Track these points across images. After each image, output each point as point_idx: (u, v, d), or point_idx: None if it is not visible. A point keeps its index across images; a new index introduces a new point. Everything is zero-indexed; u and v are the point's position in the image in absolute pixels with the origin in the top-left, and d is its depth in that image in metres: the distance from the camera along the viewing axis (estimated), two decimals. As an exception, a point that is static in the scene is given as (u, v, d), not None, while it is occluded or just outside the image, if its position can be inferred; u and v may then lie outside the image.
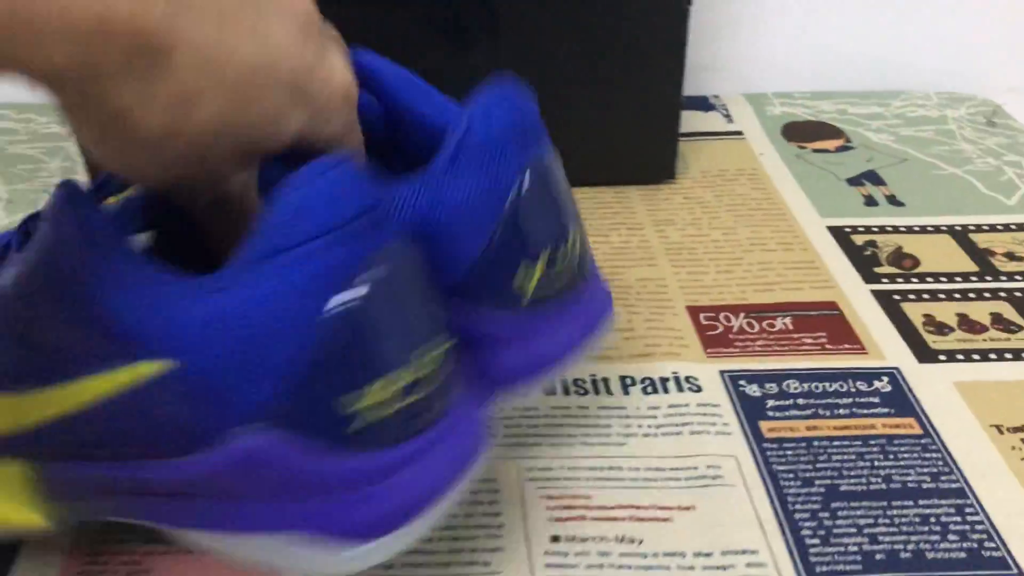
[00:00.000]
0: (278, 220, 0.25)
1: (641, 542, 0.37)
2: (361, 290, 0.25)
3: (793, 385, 0.44)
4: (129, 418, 0.26)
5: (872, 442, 0.41)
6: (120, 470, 0.28)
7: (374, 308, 0.26)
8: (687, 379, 0.44)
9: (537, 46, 0.55)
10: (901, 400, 0.43)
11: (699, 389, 0.44)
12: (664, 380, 0.44)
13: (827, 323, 0.48)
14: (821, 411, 0.43)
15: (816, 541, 0.37)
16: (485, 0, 0.53)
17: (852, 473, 0.40)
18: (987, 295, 0.50)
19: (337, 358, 0.25)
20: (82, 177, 0.61)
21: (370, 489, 0.27)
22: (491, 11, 0.53)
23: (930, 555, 0.36)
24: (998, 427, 0.42)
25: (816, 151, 0.63)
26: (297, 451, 0.26)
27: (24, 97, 0.69)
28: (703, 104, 0.69)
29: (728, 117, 0.67)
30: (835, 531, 0.37)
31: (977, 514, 0.38)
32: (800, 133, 0.66)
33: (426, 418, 0.27)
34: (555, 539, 0.37)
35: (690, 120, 0.66)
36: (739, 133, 0.66)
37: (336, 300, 0.25)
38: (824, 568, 0.36)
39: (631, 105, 0.57)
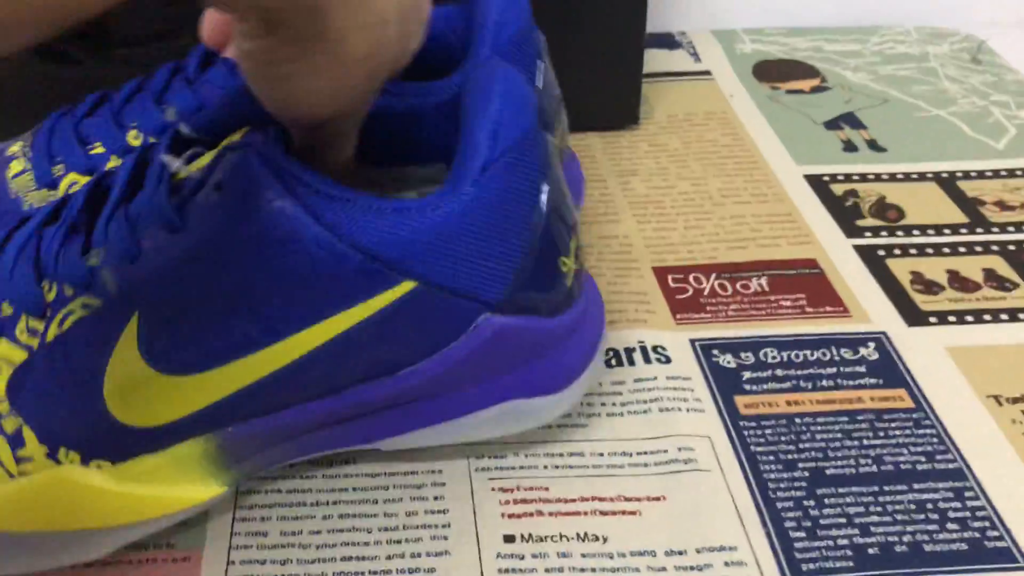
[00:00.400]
0: (479, 140, 0.29)
1: (606, 540, 0.33)
2: (550, 180, 0.31)
3: (771, 354, 0.40)
4: (376, 341, 0.30)
5: (860, 418, 0.37)
6: (329, 405, 0.31)
7: (557, 192, 0.31)
8: (655, 349, 0.40)
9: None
10: (890, 369, 0.39)
11: (668, 360, 0.39)
12: (629, 351, 0.40)
13: (806, 283, 0.44)
14: (802, 383, 0.39)
15: (801, 534, 0.33)
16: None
17: (839, 454, 0.36)
18: (979, 249, 0.46)
19: (548, 238, 0.31)
20: None
21: (573, 338, 0.33)
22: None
23: (928, 547, 0.32)
24: (996, 398, 0.38)
25: (790, 92, 0.59)
26: (535, 320, 0.31)
27: None
28: (668, 42, 0.63)
29: (695, 56, 0.62)
30: (822, 522, 0.33)
31: (978, 498, 0.34)
32: (772, 73, 0.61)
33: (581, 280, 0.34)
34: (509, 539, 0.33)
35: (654, 59, 0.61)
36: (707, 73, 0.60)
37: (543, 191, 0.30)
38: (811, 566, 0.32)
39: (590, 42, 0.51)
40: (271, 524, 0.33)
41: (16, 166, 0.37)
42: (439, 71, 0.38)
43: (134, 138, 0.35)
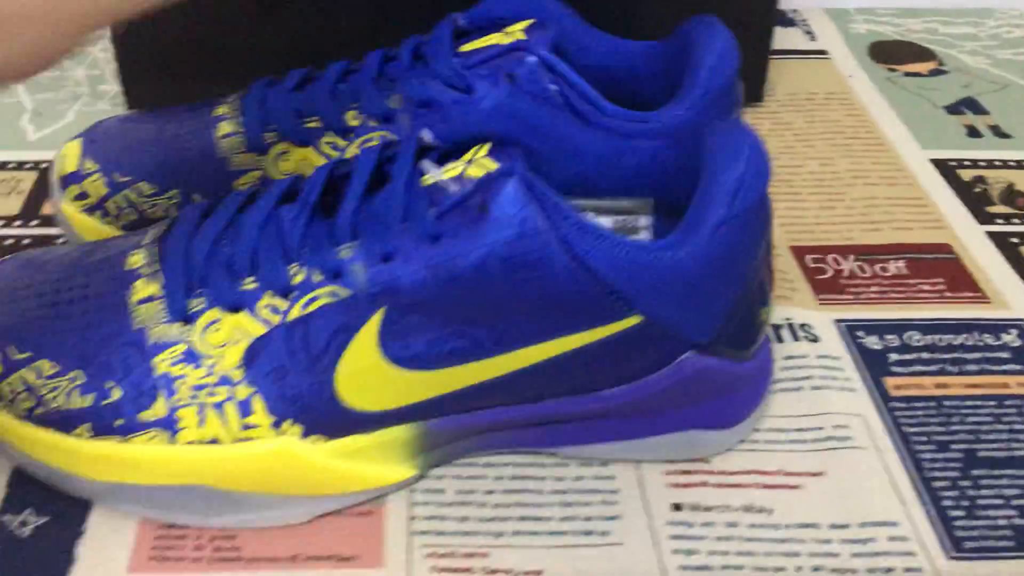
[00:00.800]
0: (720, 196, 0.30)
1: (771, 512, 0.34)
2: (766, 238, 0.33)
3: (915, 337, 0.41)
4: (589, 364, 0.32)
5: (1008, 403, 0.38)
6: (527, 411, 0.33)
7: (769, 248, 0.34)
8: (802, 327, 0.41)
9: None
10: (1033, 356, 0.40)
11: (816, 339, 0.40)
12: (777, 328, 0.41)
13: (944, 267, 0.44)
14: (949, 367, 0.39)
15: (960, 513, 0.34)
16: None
17: (990, 437, 0.36)
18: (1112, 239, 0.46)
19: (753, 291, 0.33)
20: (112, 86, 0.56)
21: (751, 383, 0.35)
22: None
23: (1087, 531, 0.33)
24: None
25: (908, 74, 0.59)
26: (726, 363, 0.33)
27: None
28: (783, 19, 0.63)
29: (810, 34, 0.62)
30: (979, 502, 0.34)
31: None
32: (888, 54, 0.61)
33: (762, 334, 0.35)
34: (676, 507, 0.34)
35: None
36: (824, 53, 0.61)
37: (758, 251, 0.32)
38: (973, 544, 0.33)
39: (721, 15, 0.52)
40: (446, 483, 0.35)
41: (225, 127, 0.38)
42: (638, 103, 0.39)
43: (353, 118, 0.37)
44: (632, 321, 0.31)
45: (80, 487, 0.32)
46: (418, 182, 0.31)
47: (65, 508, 0.33)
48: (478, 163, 0.31)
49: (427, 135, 0.32)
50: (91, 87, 0.56)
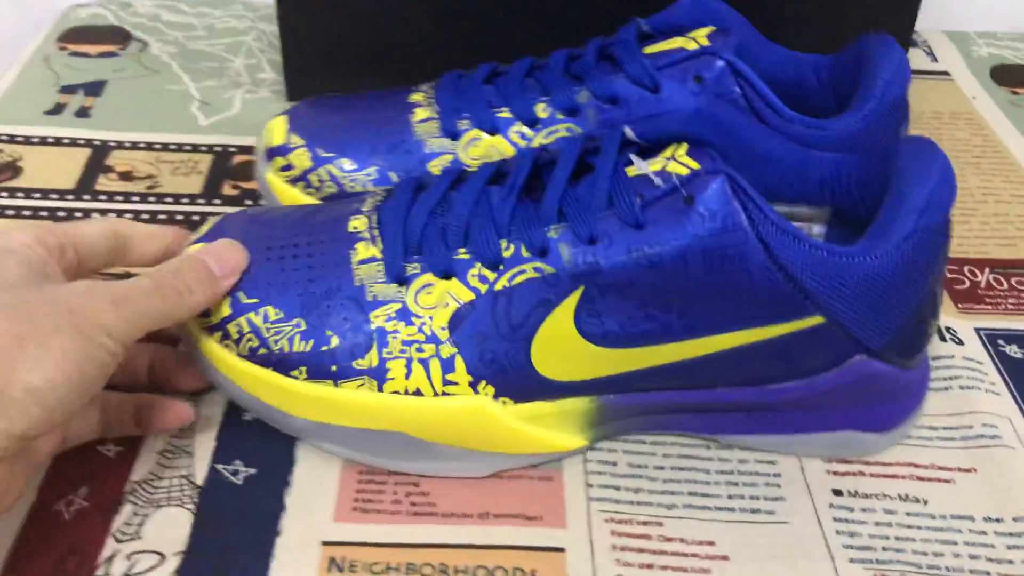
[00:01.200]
0: (910, 210, 0.32)
1: (926, 502, 0.36)
2: (943, 257, 0.35)
3: (1054, 348, 0.42)
4: (769, 357, 0.34)
5: None
6: (699, 396, 0.35)
7: (944, 266, 0.36)
8: (947, 329, 0.43)
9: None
10: None
11: (961, 342, 0.42)
12: (933, 334, 0.43)
13: (1079, 284, 0.46)
14: (1089, 378, 0.41)
15: (1109, 514, 0.36)
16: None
17: None
18: None
19: (929, 305, 0.35)
20: (269, 74, 0.59)
21: (911, 391, 0.37)
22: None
23: None
24: None
25: (1031, 98, 0.60)
26: (893, 369, 0.35)
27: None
28: (905, 40, 0.65)
29: (932, 56, 0.64)
30: None
31: None
32: (1011, 77, 0.62)
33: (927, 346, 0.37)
34: (837, 493, 0.36)
35: (893, 56, 0.63)
36: (946, 73, 0.62)
37: (937, 266, 0.34)
38: (1123, 544, 0.35)
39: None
40: (618, 456, 0.37)
41: (421, 113, 0.41)
42: (805, 114, 0.41)
43: (542, 110, 0.39)
44: (814, 321, 0.33)
45: (291, 424, 0.35)
46: (623, 173, 0.33)
47: (271, 460, 0.36)
48: (680, 159, 0.33)
49: (630, 131, 0.34)
50: (250, 76, 0.59)
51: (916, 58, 0.64)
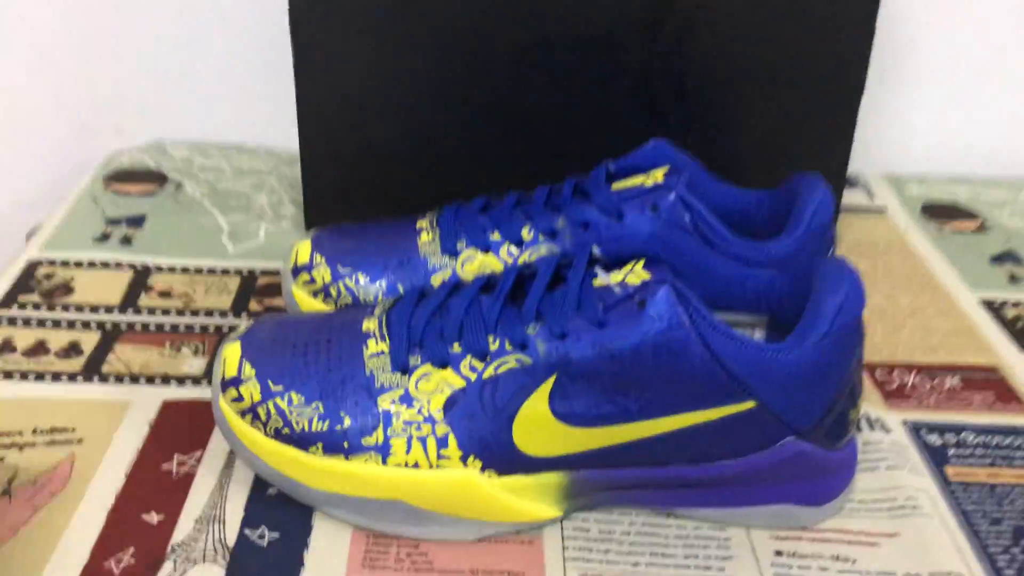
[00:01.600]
0: (825, 315, 0.39)
1: (855, 561, 0.42)
2: (862, 347, 0.42)
3: (970, 438, 0.49)
4: (710, 436, 0.40)
5: (1050, 491, 0.46)
6: (655, 472, 0.41)
7: (860, 363, 0.42)
8: (875, 420, 0.49)
9: (720, 128, 0.61)
10: (1071, 456, 0.48)
11: (889, 431, 0.49)
12: (856, 421, 0.49)
13: (992, 384, 0.53)
14: (998, 460, 0.47)
15: (1012, 572, 0.41)
16: (679, 85, 0.59)
17: (1036, 516, 0.44)
18: None
19: (849, 394, 0.41)
20: (289, 208, 0.67)
21: (840, 470, 0.43)
22: (682, 92, 0.60)
23: (1118, 591, 0.41)
24: None
25: (956, 232, 0.69)
26: (820, 450, 0.41)
27: (226, 137, 0.76)
28: (847, 181, 0.74)
29: (870, 194, 0.73)
30: (1028, 564, 0.42)
31: None
32: (939, 213, 0.71)
33: (851, 431, 0.44)
34: (779, 553, 0.42)
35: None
36: (882, 209, 0.71)
37: (851, 361, 0.41)
38: (1023, 595, 0.40)
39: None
40: (591, 524, 0.43)
41: (425, 236, 0.49)
42: (753, 236, 0.50)
43: (527, 233, 0.48)
44: (747, 405, 0.40)
45: (307, 494, 0.41)
46: (590, 283, 0.41)
47: (292, 527, 0.42)
48: (636, 272, 0.41)
49: (596, 249, 0.42)
50: (273, 211, 0.67)
51: (856, 196, 0.73)
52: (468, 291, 0.42)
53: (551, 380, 0.40)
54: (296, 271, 0.50)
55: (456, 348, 0.41)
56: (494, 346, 0.41)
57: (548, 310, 0.41)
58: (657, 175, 0.47)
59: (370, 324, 0.43)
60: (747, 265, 0.46)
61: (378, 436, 0.40)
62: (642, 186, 0.47)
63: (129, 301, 0.57)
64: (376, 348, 0.42)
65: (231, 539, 0.41)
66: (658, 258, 0.42)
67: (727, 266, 0.45)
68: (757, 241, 0.47)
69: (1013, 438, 0.49)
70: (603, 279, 0.41)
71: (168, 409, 0.49)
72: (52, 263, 0.60)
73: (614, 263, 0.42)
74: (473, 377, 0.40)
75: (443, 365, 0.41)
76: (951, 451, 0.48)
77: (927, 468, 0.47)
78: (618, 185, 0.47)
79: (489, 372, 0.40)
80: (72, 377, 0.50)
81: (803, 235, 0.46)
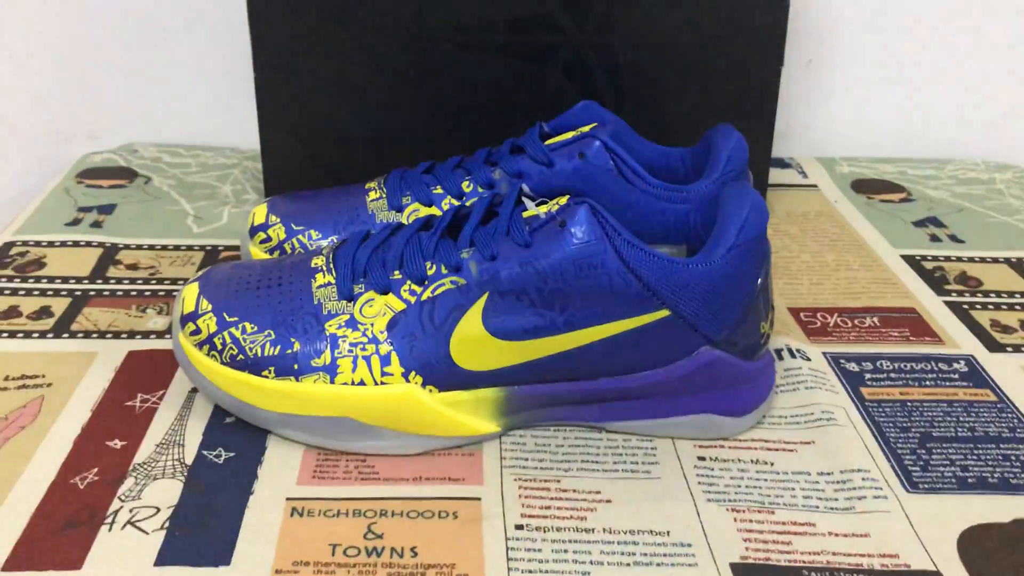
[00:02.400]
0: (734, 226, 0.43)
1: (772, 464, 0.45)
2: (764, 271, 0.45)
3: (885, 364, 0.53)
4: (631, 346, 0.44)
5: (956, 404, 0.49)
6: (584, 386, 0.45)
7: (767, 280, 0.45)
8: (797, 350, 0.53)
9: (654, 106, 0.65)
10: (977, 377, 0.51)
11: (808, 359, 0.52)
12: (779, 351, 0.53)
13: (908, 322, 0.57)
14: (910, 382, 0.51)
15: (917, 468, 0.45)
16: (611, 61, 0.64)
17: (941, 424, 0.48)
18: (1043, 307, 0.58)
19: (757, 308, 0.45)
20: (252, 195, 0.71)
21: (756, 380, 0.47)
22: (614, 67, 0.64)
23: (1014, 481, 0.44)
24: (1062, 397, 0.50)
25: (883, 201, 0.73)
26: (735, 359, 0.45)
27: (194, 141, 0.80)
28: (780, 163, 0.79)
29: (803, 174, 0.78)
30: (932, 463, 0.45)
31: (1050, 453, 0.45)
32: (867, 187, 0.75)
33: (768, 343, 0.47)
34: (701, 459, 0.45)
35: (771, 176, 0.76)
36: (814, 186, 0.76)
37: (762, 271, 0.44)
38: (925, 484, 0.44)
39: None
40: (527, 439, 0.46)
41: (373, 195, 0.53)
42: (674, 182, 0.54)
43: (467, 186, 0.51)
44: (662, 314, 0.43)
45: (261, 416, 0.44)
46: (520, 214, 0.45)
47: (247, 447, 0.45)
48: (560, 204, 0.44)
49: (526, 188, 0.46)
50: (236, 197, 0.71)
51: (789, 175, 0.77)
52: (408, 228, 0.46)
53: (483, 298, 0.43)
54: (253, 231, 0.54)
55: (397, 275, 0.44)
56: (431, 271, 0.44)
57: (480, 238, 0.44)
58: (585, 129, 0.51)
59: (318, 260, 0.47)
60: (667, 202, 0.49)
61: (326, 358, 0.44)
62: (571, 138, 0.51)
63: (98, 273, 0.60)
64: (324, 280, 0.45)
65: (189, 458, 0.44)
66: (582, 193, 0.45)
67: (648, 202, 0.49)
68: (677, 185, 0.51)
69: (925, 363, 0.53)
70: (530, 207, 0.45)
71: (133, 357, 0.52)
72: (25, 243, 0.63)
73: (544, 200, 0.46)
74: (413, 300, 0.44)
75: (385, 291, 0.44)
76: (867, 376, 0.51)
77: (844, 389, 0.50)
78: (550, 141, 0.51)
79: (427, 294, 0.44)
80: (43, 335, 0.54)
81: (719, 177, 0.50)
